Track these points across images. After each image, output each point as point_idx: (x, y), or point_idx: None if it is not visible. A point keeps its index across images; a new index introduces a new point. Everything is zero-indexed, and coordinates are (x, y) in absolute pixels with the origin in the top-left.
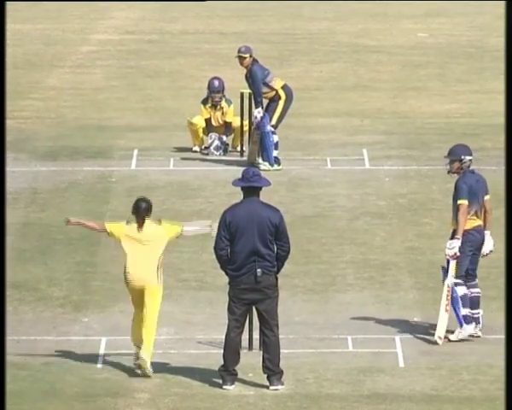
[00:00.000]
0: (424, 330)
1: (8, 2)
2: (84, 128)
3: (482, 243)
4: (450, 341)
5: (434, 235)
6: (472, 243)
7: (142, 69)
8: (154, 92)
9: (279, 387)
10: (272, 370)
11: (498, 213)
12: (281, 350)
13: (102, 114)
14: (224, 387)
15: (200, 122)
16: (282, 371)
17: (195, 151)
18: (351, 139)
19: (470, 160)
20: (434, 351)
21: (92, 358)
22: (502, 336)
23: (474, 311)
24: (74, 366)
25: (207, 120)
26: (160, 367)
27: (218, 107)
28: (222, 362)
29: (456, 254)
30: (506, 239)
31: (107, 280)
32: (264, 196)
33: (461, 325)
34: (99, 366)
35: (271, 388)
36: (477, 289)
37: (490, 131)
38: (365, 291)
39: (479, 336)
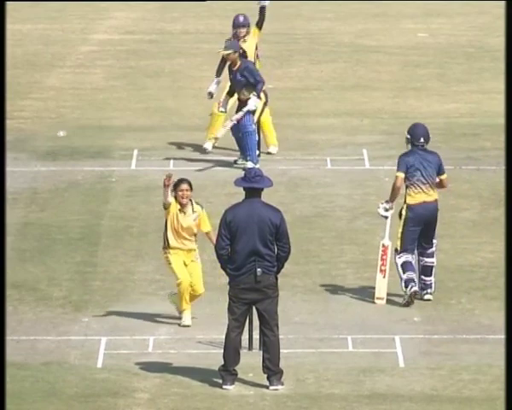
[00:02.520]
0: (424, 330)
1: (8, 2)
2: (84, 128)
3: (428, 219)
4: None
5: None
6: (413, 219)
7: (142, 69)
8: (154, 92)
9: (279, 387)
10: (272, 370)
11: (498, 213)
12: (281, 350)
13: (102, 114)
14: (224, 387)
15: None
16: (281, 371)
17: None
18: (351, 139)
19: (407, 138)
20: (434, 351)
21: (92, 358)
22: (502, 336)
23: (426, 278)
24: (74, 366)
25: (223, 59)
26: (160, 367)
27: (242, 40)
28: (222, 362)
29: (386, 215)
30: (506, 239)
31: (107, 280)
32: (264, 196)
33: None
34: (99, 366)
35: (271, 388)
36: (430, 259)
37: (490, 131)
38: (365, 291)
39: (429, 300)
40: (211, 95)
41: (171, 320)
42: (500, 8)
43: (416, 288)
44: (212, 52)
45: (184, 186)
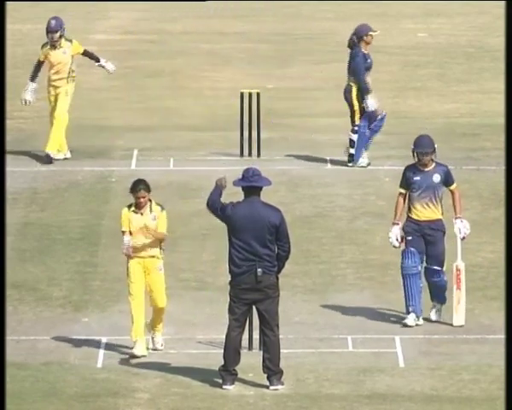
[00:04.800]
0: (424, 331)
1: (8, 2)
2: (84, 128)
3: None
4: (431, 320)
5: None
6: None
7: (142, 69)
8: (154, 92)
9: (279, 387)
10: (272, 370)
11: (498, 214)
12: (281, 350)
13: (102, 114)
14: (224, 387)
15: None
16: (282, 371)
17: (66, 158)
18: None
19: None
20: (434, 351)
21: (92, 358)
22: (502, 336)
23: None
24: (74, 366)
25: (41, 62)
26: (160, 367)
27: (58, 46)
28: (222, 362)
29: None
30: (506, 239)
31: (107, 280)
32: (264, 195)
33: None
34: (99, 365)
35: (271, 388)
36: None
37: (490, 131)
38: (365, 291)
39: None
40: (26, 102)
41: (171, 320)
42: (500, 8)
43: None
44: (212, 52)
45: (141, 194)
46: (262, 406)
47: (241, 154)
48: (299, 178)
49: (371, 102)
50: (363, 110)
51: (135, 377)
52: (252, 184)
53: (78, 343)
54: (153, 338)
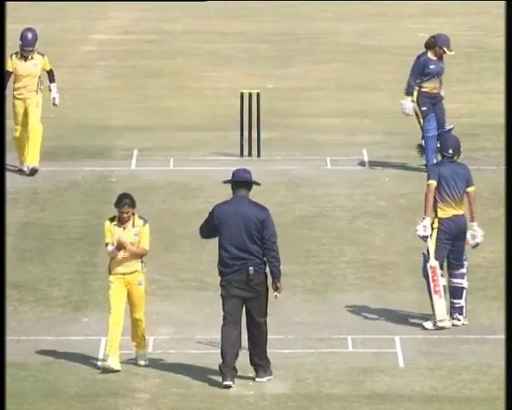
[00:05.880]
0: (424, 331)
1: (8, 2)
2: (84, 128)
3: (460, 233)
4: (424, 328)
5: None
6: (447, 233)
7: (142, 69)
8: (154, 92)
9: (265, 379)
10: (259, 362)
11: (498, 214)
12: (281, 350)
13: (102, 114)
14: (225, 383)
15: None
16: (269, 361)
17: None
18: (351, 139)
19: (437, 147)
20: (434, 351)
21: (92, 358)
22: (502, 336)
23: (455, 300)
24: (74, 366)
25: (10, 73)
26: (160, 367)
27: (29, 58)
28: (221, 360)
29: (425, 235)
30: (506, 239)
31: (107, 280)
32: (265, 195)
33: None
34: (99, 365)
35: (257, 380)
36: (460, 280)
37: (490, 131)
38: (365, 291)
39: (463, 324)
40: None
41: (171, 320)
42: (500, 8)
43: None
44: (212, 52)
45: (125, 209)
46: (262, 406)
47: (241, 154)
48: (299, 178)
49: (404, 104)
50: (423, 113)
51: (135, 377)
52: (240, 177)
53: (78, 343)
54: (136, 357)
